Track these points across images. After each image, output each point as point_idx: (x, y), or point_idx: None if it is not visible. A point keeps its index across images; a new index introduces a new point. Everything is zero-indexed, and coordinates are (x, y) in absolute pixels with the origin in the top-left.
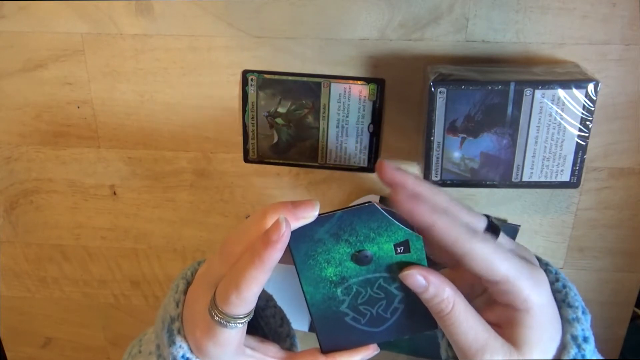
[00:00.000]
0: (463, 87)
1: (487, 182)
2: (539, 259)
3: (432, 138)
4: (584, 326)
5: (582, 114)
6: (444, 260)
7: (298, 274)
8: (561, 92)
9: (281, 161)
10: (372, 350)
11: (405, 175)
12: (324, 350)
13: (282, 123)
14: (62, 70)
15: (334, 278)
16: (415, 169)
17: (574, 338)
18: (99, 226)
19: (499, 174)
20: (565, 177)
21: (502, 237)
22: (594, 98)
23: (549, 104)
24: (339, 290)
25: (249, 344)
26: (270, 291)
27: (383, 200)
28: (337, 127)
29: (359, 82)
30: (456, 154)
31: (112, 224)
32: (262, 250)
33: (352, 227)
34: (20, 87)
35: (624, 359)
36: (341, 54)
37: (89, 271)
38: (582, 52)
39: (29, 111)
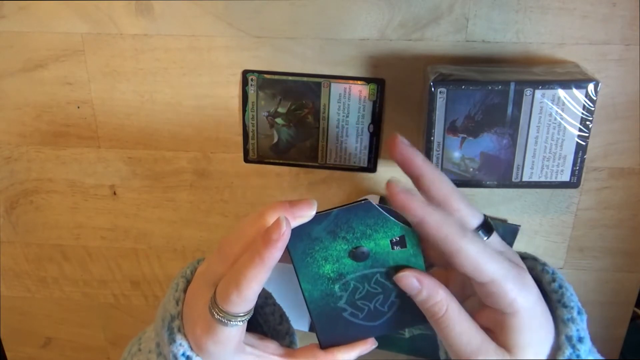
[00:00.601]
0: (463, 87)
1: (487, 182)
2: (536, 260)
3: (432, 138)
4: (579, 326)
5: (582, 114)
6: (437, 260)
7: (296, 272)
8: (561, 92)
9: (281, 161)
10: (370, 344)
11: (415, 152)
12: (323, 346)
13: (282, 123)
14: (62, 70)
15: (331, 275)
16: None
17: (569, 338)
18: (99, 226)
19: (499, 174)
20: (565, 177)
21: (494, 238)
22: (594, 98)
23: (549, 104)
24: (336, 287)
25: (249, 341)
26: (269, 291)
27: (383, 200)
28: (337, 127)
29: (359, 82)
30: (456, 154)
31: (112, 224)
32: (262, 249)
33: (348, 224)
34: (20, 87)
35: (624, 359)
36: (341, 54)
37: (89, 271)
38: (582, 52)
39: (29, 111)
